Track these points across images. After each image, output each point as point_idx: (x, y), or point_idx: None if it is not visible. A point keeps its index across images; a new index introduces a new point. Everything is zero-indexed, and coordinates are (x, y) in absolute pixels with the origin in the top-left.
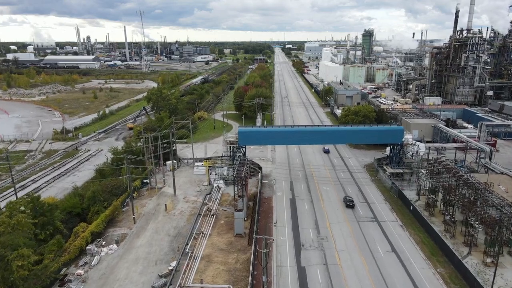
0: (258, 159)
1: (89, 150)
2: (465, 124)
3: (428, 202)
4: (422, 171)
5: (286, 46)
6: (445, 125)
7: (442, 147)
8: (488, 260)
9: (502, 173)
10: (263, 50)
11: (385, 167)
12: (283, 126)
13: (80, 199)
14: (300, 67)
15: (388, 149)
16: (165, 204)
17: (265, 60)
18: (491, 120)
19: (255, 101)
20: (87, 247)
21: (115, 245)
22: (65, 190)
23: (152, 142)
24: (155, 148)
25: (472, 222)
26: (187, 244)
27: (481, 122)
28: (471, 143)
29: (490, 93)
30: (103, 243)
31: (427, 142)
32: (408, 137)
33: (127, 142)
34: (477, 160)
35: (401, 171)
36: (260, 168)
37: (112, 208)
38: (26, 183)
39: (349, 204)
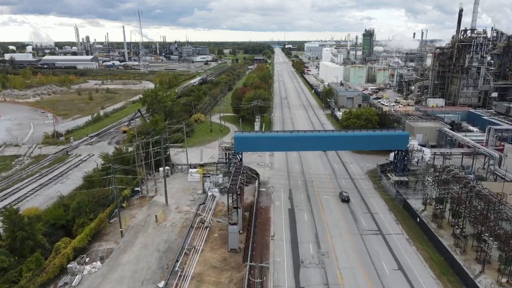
0: (256, 165)
1: (80, 155)
2: (471, 127)
3: (435, 213)
4: (428, 179)
5: (286, 46)
6: (450, 129)
7: (448, 152)
8: (503, 280)
9: None
10: (263, 50)
11: (389, 174)
12: (282, 131)
13: (65, 209)
14: (300, 68)
15: (392, 154)
16: (156, 215)
17: (264, 61)
18: (498, 124)
19: (253, 103)
20: (68, 265)
21: (99, 262)
22: (51, 198)
23: (143, 148)
24: (147, 155)
25: (486, 238)
26: (177, 261)
27: (489, 126)
28: (478, 148)
29: (494, 94)
30: (87, 260)
31: (432, 146)
32: (413, 143)
33: (117, 148)
34: (485, 166)
35: (406, 179)
36: (258, 175)
37: (97, 220)
38: (11, 191)
39: (345, 199)
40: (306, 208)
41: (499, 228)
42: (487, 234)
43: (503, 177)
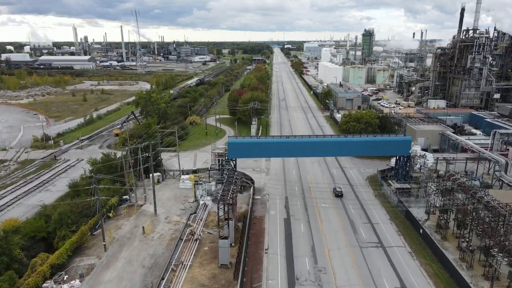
0: (251, 170)
1: (68, 160)
2: (473, 130)
3: (439, 223)
4: (432, 186)
5: (285, 46)
6: (453, 132)
7: (452, 158)
8: None
9: None
10: (262, 50)
11: (389, 180)
12: (278, 136)
13: (46, 220)
14: (299, 68)
15: (393, 159)
16: (143, 227)
17: (263, 61)
18: (502, 126)
19: (250, 105)
20: (44, 284)
21: (78, 281)
22: (34, 208)
23: (132, 154)
24: (136, 161)
25: (495, 254)
26: (163, 278)
27: (494, 130)
28: (483, 153)
29: (497, 96)
30: (65, 277)
31: (434, 150)
32: (416, 148)
33: (105, 154)
34: (489, 172)
35: (408, 187)
36: (252, 181)
37: (79, 234)
38: None
39: (338, 194)
40: (303, 218)
41: (510, 243)
42: (496, 249)
43: (510, 183)
